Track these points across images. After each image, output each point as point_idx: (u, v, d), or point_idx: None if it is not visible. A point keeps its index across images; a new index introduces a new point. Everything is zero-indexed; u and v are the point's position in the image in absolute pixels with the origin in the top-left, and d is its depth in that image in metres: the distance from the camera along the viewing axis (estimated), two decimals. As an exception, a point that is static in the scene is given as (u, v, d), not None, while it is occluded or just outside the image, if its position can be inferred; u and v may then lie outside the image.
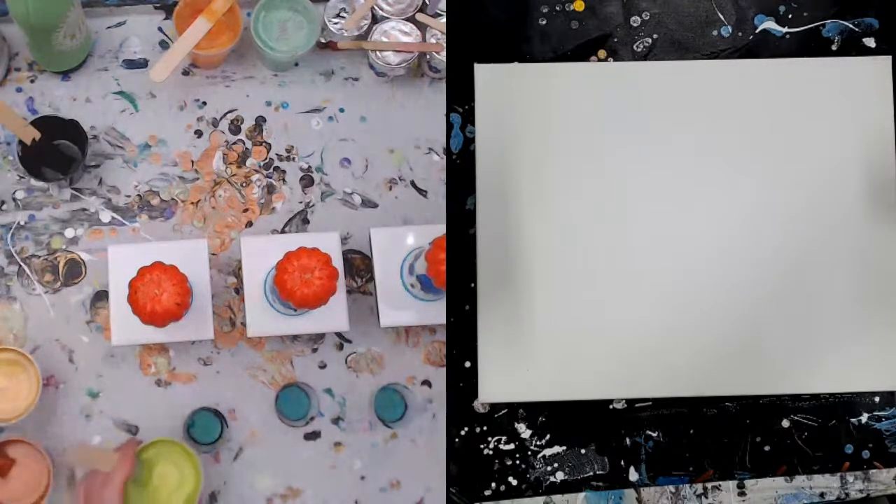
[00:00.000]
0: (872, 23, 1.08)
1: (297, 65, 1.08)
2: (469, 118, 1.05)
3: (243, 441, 1.03)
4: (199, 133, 1.06)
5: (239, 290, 1.04)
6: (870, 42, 1.08)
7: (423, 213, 1.07)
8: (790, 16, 1.08)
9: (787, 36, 1.08)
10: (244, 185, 1.06)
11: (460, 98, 1.06)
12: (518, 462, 1.03)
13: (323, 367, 1.04)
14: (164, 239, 1.04)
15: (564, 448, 1.03)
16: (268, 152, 1.07)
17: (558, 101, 1.05)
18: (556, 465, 1.03)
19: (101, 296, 1.02)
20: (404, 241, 1.00)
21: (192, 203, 1.05)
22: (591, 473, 1.03)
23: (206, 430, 0.99)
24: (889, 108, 1.06)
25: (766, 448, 1.04)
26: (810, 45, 1.08)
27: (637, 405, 1.04)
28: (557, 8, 1.07)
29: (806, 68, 1.06)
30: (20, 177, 1.03)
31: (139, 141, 1.05)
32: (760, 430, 1.04)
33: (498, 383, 1.02)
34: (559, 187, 1.04)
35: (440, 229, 1.00)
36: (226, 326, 1.04)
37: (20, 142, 0.97)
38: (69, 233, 1.03)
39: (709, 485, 1.04)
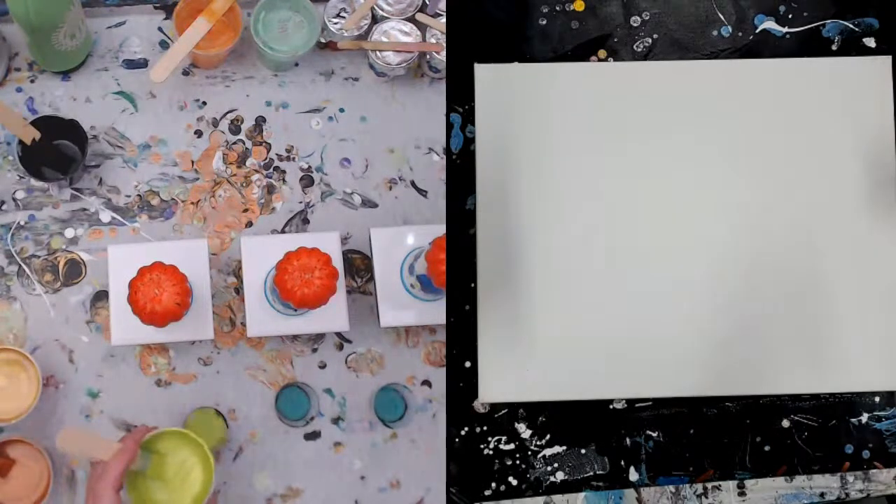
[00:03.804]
0: (872, 23, 1.08)
1: (297, 65, 1.08)
2: (469, 118, 1.05)
3: (243, 441, 1.03)
4: (199, 133, 1.06)
5: (239, 290, 1.04)
6: (870, 42, 1.08)
7: (423, 213, 1.07)
8: (790, 16, 1.08)
9: (787, 36, 1.08)
10: (244, 185, 1.06)
11: (460, 98, 1.06)
12: (518, 462, 1.03)
13: (323, 367, 1.04)
14: (164, 239, 1.04)
15: (564, 448, 1.03)
16: (268, 152, 1.07)
17: (558, 101, 1.05)
18: (556, 465, 1.03)
19: (101, 296, 1.02)
20: (404, 241, 1.00)
21: (192, 203, 1.05)
22: (591, 473, 1.03)
23: (206, 430, 0.99)
24: (889, 108, 1.06)
25: (766, 448, 1.04)
26: (810, 45, 1.08)
27: (637, 405, 1.04)
28: (557, 8, 1.07)
29: (806, 68, 1.06)
30: (20, 177, 1.03)
31: (139, 141, 1.05)
32: (760, 430, 1.04)
33: (498, 383, 1.02)
34: (559, 187, 1.04)
35: (440, 229, 1.00)
36: (226, 326, 1.04)
37: (20, 142, 0.97)
38: (69, 233, 1.03)
39: (709, 485, 1.04)
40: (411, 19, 1.04)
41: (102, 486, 0.82)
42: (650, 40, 1.07)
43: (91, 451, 0.85)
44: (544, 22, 1.07)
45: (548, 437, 1.03)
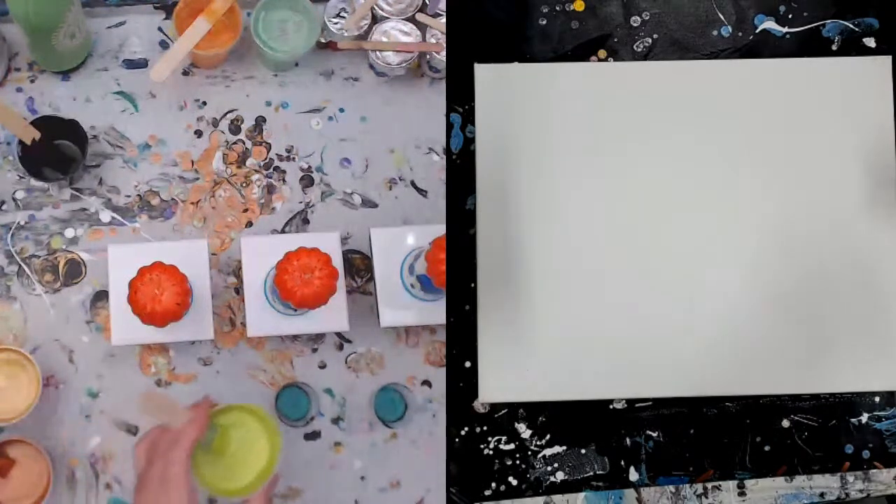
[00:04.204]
0: (872, 23, 1.08)
1: (297, 65, 1.08)
2: (469, 118, 1.05)
3: (243, 441, 1.03)
4: (199, 133, 1.06)
5: (239, 290, 1.04)
6: (870, 42, 1.08)
7: (423, 213, 1.07)
8: (790, 16, 1.08)
9: (787, 36, 1.08)
10: (244, 185, 1.06)
11: (460, 98, 1.06)
12: (518, 462, 1.03)
13: (323, 367, 1.04)
14: (164, 239, 1.04)
15: (564, 448, 1.03)
16: (268, 152, 1.07)
17: (558, 101, 1.05)
18: (556, 465, 1.03)
19: (101, 296, 1.02)
20: (404, 241, 1.00)
21: (192, 203, 1.05)
22: (591, 473, 1.03)
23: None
24: (889, 108, 1.06)
25: (766, 448, 1.04)
26: (810, 45, 1.08)
27: (637, 405, 1.04)
28: (557, 8, 1.07)
29: (806, 68, 1.06)
30: (20, 177, 1.03)
31: (139, 141, 1.05)
32: (760, 430, 1.04)
33: (498, 383, 1.02)
34: (559, 187, 1.04)
35: (440, 229, 1.00)
36: (226, 326, 1.04)
37: (20, 142, 0.97)
38: (69, 233, 1.03)
39: (709, 485, 1.04)
40: (411, 19, 1.04)
41: (177, 454, 0.81)
42: (650, 40, 1.07)
43: (168, 417, 0.84)
44: (544, 22, 1.07)
45: (548, 437, 1.03)
